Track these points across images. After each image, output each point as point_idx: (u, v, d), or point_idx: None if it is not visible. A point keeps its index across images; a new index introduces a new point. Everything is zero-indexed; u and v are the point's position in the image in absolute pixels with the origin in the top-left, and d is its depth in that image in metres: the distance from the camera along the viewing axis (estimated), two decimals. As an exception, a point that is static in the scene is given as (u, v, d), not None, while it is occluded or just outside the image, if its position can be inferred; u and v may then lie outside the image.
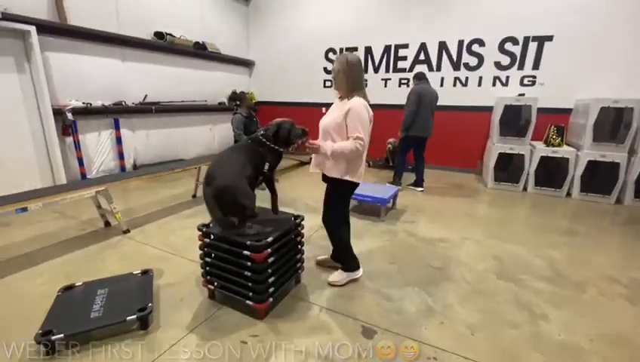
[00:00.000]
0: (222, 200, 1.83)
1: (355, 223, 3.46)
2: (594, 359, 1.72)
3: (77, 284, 2.09)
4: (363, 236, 3.16)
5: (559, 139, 4.70)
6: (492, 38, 5.46)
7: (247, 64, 7.56)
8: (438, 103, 4.73)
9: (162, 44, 5.37)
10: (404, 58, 6.15)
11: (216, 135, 6.85)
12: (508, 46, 5.39)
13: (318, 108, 7.04)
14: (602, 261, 2.78)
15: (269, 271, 1.91)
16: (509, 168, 4.96)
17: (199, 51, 6.09)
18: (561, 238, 3.25)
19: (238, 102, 4.87)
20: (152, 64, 5.41)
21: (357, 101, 2.00)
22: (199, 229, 2.04)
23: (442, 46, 5.84)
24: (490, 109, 5.58)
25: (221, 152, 2.12)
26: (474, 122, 5.80)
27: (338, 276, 2.36)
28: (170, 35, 5.48)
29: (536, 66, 5.27)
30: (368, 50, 6.41)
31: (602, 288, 2.39)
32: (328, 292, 2.26)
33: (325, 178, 2.22)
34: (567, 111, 5.13)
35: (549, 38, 5.09)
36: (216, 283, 2.07)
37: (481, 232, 3.34)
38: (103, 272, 2.37)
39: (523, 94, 4.99)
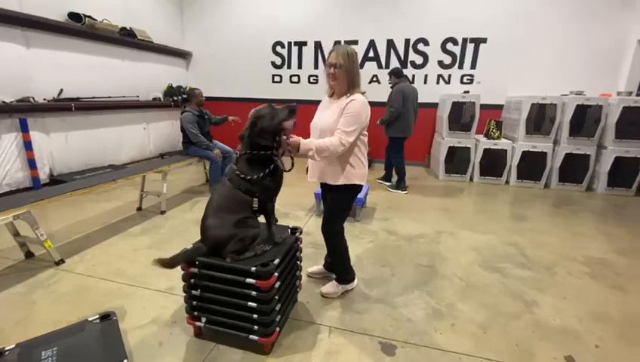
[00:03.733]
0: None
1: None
2: (591, 339, 1.85)
3: (7, 349, 1.53)
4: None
5: (498, 132, 5.18)
6: (435, 38, 5.77)
7: (183, 55, 6.79)
8: (384, 100, 4.62)
9: (80, 28, 4.45)
10: (355, 54, 6.14)
11: (151, 135, 6.02)
12: (449, 46, 5.75)
13: (266, 105, 6.69)
14: (557, 242, 3.10)
15: (276, 297, 1.64)
16: (457, 161, 5.32)
17: (127, 38, 5.23)
18: (517, 224, 3.56)
19: (186, 99, 4.30)
20: (67, 52, 4.45)
21: (359, 97, 1.83)
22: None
23: (390, 44, 5.98)
24: (435, 106, 5.92)
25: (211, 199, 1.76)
26: (421, 118, 6.05)
27: (332, 288, 2.19)
28: (90, 17, 4.58)
29: (473, 66, 5.73)
30: (318, 45, 6.26)
31: (568, 268, 2.64)
32: (331, 308, 2.07)
33: (326, 185, 2.01)
34: (500, 107, 5.69)
35: (484, 40, 5.57)
36: (204, 319, 1.73)
37: (451, 224, 3.48)
38: (38, 324, 1.82)
39: (468, 91, 5.38)
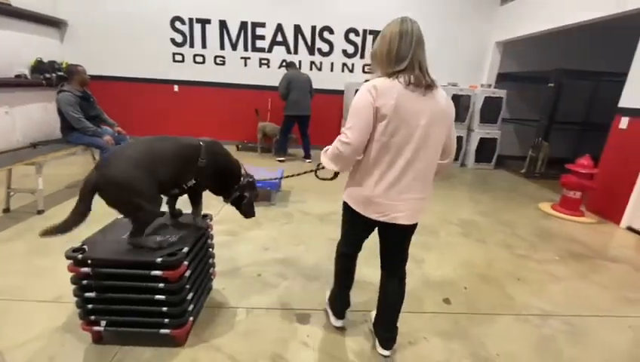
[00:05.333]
0: (108, 194, 1.48)
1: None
2: (462, 283, 2.33)
3: None
4: (262, 223, 3.06)
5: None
6: (339, 28, 6.04)
7: (55, 24, 5.62)
8: None
9: None
10: (263, 37, 6.03)
11: (18, 121, 4.90)
12: (352, 36, 6.11)
13: (167, 85, 6.14)
14: (440, 209, 3.71)
15: (187, 287, 1.60)
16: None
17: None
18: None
19: (63, 77, 3.62)
20: None
21: (364, 84, 1.35)
22: (69, 257, 1.47)
23: (297, 29, 6.04)
24: (342, 93, 6.27)
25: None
26: (329, 104, 6.38)
27: None
28: None
29: (374, 56, 6.22)
30: (223, 25, 5.93)
31: (447, 230, 3.21)
32: (249, 291, 2.10)
33: None
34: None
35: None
36: (104, 322, 1.58)
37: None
38: None
39: (368, 80, 5.82)
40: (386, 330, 1.66)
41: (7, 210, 2.99)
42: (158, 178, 1.53)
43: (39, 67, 5.14)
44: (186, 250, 1.56)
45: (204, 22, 5.89)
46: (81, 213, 1.49)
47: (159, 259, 1.46)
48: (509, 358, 1.68)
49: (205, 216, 1.94)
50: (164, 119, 6.31)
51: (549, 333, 1.89)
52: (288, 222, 3.17)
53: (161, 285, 1.50)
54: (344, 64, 6.26)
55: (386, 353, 1.64)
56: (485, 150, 5.86)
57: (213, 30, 5.95)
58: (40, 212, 2.98)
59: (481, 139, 5.77)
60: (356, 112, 1.31)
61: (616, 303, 2.22)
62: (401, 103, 1.27)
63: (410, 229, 1.51)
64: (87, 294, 1.52)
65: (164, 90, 6.17)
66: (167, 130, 6.31)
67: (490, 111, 5.68)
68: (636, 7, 3.44)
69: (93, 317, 1.56)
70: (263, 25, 5.97)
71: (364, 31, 6.06)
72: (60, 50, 5.76)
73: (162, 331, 1.57)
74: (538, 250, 2.89)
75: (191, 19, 5.88)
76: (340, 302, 1.79)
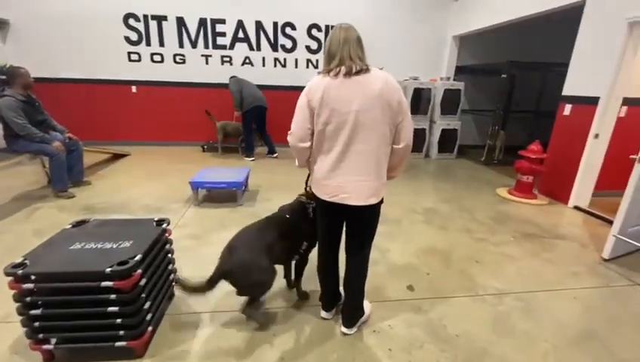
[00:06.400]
0: (237, 277, 1.68)
1: (214, 213, 3.27)
2: (424, 269, 2.42)
3: None
4: (227, 225, 3.00)
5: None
6: (301, 24, 6.01)
7: (-9, 23, 5.16)
8: (263, 83, 5.64)
9: None
10: (223, 34, 5.88)
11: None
12: (314, 32, 6.10)
13: (124, 86, 5.85)
14: (404, 200, 3.81)
15: (143, 296, 1.54)
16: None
17: None
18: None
19: (5, 80, 3.33)
20: None
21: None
22: (9, 274, 1.36)
23: (259, 25, 5.94)
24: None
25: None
26: (294, 100, 6.32)
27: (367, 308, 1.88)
28: None
29: (337, 52, 6.25)
30: (181, 22, 5.71)
31: (410, 218, 3.32)
32: (212, 293, 2.03)
33: None
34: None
35: (344, 28, 6.12)
36: (54, 340, 1.49)
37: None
38: None
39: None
40: (347, 310, 1.77)
41: (-57, 229, 2.73)
42: (274, 255, 1.73)
43: (-25, 70, 4.70)
44: (138, 257, 1.49)
45: (160, 18, 5.64)
46: (206, 290, 1.65)
47: (109, 270, 1.40)
48: (468, 337, 1.77)
49: (162, 221, 1.87)
50: (123, 122, 6.01)
51: (504, 310, 2.00)
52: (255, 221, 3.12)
53: (113, 296, 1.44)
54: (308, 60, 6.24)
55: (345, 330, 1.75)
56: (447, 141, 6.09)
57: (170, 27, 5.71)
58: (-19, 228, 2.75)
59: (443, 130, 5.99)
60: (297, 109, 1.52)
61: (563, 277, 2.40)
62: (329, 94, 1.41)
63: (366, 212, 1.58)
64: (33, 311, 1.43)
65: (121, 91, 5.86)
66: (126, 133, 6.03)
67: (450, 103, 5.91)
68: (573, 1, 3.70)
69: (41, 336, 1.47)
70: (223, 21, 5.82)
71: (327, 27, 6.07)
72: (2, 52, 5.30)
73: (118, 344, 1.50)
74: (495, 233, 3.05)
75: (145, 16, 5.61)
76: (325, 298, 1.87)
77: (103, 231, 1.75)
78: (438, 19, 6.23)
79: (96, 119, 5.85)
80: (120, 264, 1.43)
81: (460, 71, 6.43)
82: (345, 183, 1.50)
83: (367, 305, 1.89)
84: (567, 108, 3.85)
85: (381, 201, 1.61)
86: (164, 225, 1.85)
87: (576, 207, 3.75)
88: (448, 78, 6.12)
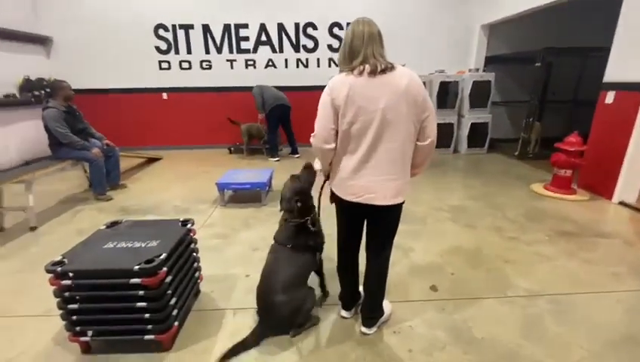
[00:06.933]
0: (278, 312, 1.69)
1: (239, 213, 3.36)
2: (449, 269, 2.34)
3: None
4: (252, 224, 3.09)
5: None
6: (323, 23, 6.02)
7: (40, 41, 5.63)
8: (286, 85, 5.73)
9: None
10: (247, 39, 6.02)
11: (11, 141, 4.94)
12: (336, 30, 6.08)
13: (155, 94, 6.16)
14: (429, 197, 3.70)
15: (169, 292, 1.63)
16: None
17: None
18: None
19: (49, 93, 3.64)
20: None
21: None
22: (49, 271, 1.50)
23: (281, 27, 6.02)
24: (330, 88, 6.25)
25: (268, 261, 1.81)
26: (317, 100, 6.36)
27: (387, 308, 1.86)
28: None
29: (359, 49, 6.19)
30: (206, 29, 5.92)
31: (435, 216, 3.22)
32: (236, 292, 2.13)
33: None
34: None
35: (366, 25, 6.05)
36: (91, 332, 1.61)
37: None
38: None
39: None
40: (367, 310, 1.76)
41: (0, 229, 3.03)
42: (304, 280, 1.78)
43: (27, 85, 5.17)
44: (164, 256, 1.57)
45: (187, 27, 5.89)
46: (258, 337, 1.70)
47: (137, 267, 1.49)
48: (494, 340, 1.70)
49: (186, 221, 1.95)
50: (155, 128, 6.34)
51: (535, 313, 1.89)
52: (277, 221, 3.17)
53: (141, 292, 1.52)
54: (330, 59, 6.23)
55: (365, 330, 1.74)
56: (477, 135, 5.83)
57: (197, 35, 5.94)
58: (32, 228, 3.02)
59: (472, 124, 5.74)
60: (319, 110, 1.48)
61: (604, 279, 2.22)
62: (355, 92, 1.38)
63: (390, 211, 1.56)
64: (71, 306, 1.55)
65: (153, 98, 6.19)
66: (159, 138, 6.35)
67: (480, 95, 5.65)
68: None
69: (79, 328, 1.59)
70: (246, 26, 5.96)
71: (348, 24, 6.00)
72: (48, 67, 5.78)
73: (147, 337, 1.60)
74: (527, 231, 2.89)
75: (174, 26, 5.88)
76: (345, 298, 1.86)
77: (133, 231, 1.86)
78: (464, 9, 5.97)
79: (131, 126, 6.21)
80: (147, 262, 1.52)
81: (491, 61, 6.13)
82: (371, 183, 1.47)
83: (387, 305, 1.86)
84: (610, 96, 3.54)
85: (404, 201, 1.58)
86: (189, 225, 1.93)
87: (622, 203, 3.45)
88: (477, 70, 5.86)
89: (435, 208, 3.42)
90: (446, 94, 5.73)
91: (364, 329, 1.74)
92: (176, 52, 6.02)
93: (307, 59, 6.19)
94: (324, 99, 1.45)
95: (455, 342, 1.69)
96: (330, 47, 6.14)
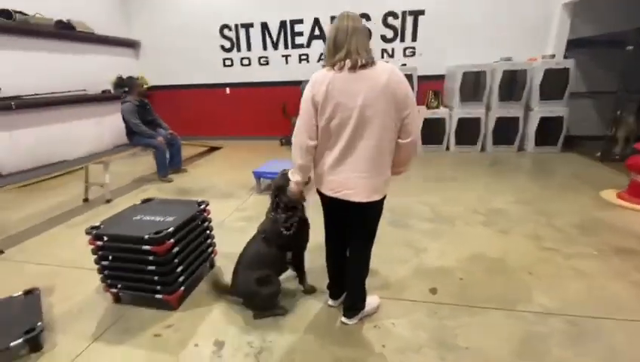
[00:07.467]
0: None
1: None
2: (459, 274, 2.20)
3: None
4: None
5: (437, 102, 5.45)
6: (376, 13, 5.88)
7: (131, 45, 6.70)
8: None
9: (11, 25, 4.40)
10: (301, 34, 6.23)
11: (106, 129, 6.04)
12: (390, 20, 5.89)
13: (220, 89, 6.78)
14: (470, 198, 3.43)
15: (176, 261, 1.90)
16: (402, 132, 5.61)
17: (65, 32, 5.17)
18: (443, 185, 3.89)
19: (126, 89, 4.38)
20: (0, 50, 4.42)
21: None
22: (88, 233, 1.88)
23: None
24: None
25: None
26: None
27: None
28: (21, 13, 4.52)
29: (414, 38, 5.91)
30: (265, 26, 6.29)
31: (468, 219, 2.99)
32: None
33: None
34: (440, 77, 5.92)
35: (422, 12, 5.73)
36: (120, 286, 1.98)
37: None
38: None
39: (404, 64, 5.59)
40: (348, 301, 1.80)
41: (86, 200, 3.78)
42: (273, 269, 1.89)
43: (119, 82, 6.21)
44: (171, 229, 1.84)
45: (247, 26, 6.35)
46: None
47: (146, 236, 1.78)
48: (479, 351, 1.58)
49: (202, 202, 2.22)
50: (219, 120, 7.02)
51: (542, 332, 1.69)
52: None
53: (151, 257, 1.82)
54: (384, 50, 6.07)
55: (345, 320, 1.78)
56: (548, 131, 5.10)
57: (256, 33, 6.36)
58: (108, 201, 3.70)
59: (543, 118, 5.04)
60: (301, 106, 1.50)
61: (653, 307, 1.84)
62: (334, 87, 1.39)
63: (368, 208, 1.56)
64: (103, 262, 1.93)
65: (217, 93, 6.85)
66: (222, 129, 7.02)
67: (553, 85, 4.91)
68: None
69: (109, 281, 1.97)
70: (300, 21, 6.16)
71: (404, 13, 5.79)
72: (137, 66, 6.85)
73: (157, 296, 1.90)
74: (573, 244, 2.51)
75: (236, 25, 6.39)
76: (332, 287, 1.92)
77: (158, 208, 2.20)
78: (542, -14, 5.21)
79: (199, 117, 6.99)
80: (156, 233, 1.80)
81: (573, 45, 5.26)
82: (349, 180, 1.49)
83: (375, 300, 1.87)
84: None
85: (384, 198, 1.57)
86: (202, 206, 2.19)
87: None
88: (553, 56, 5.09)
89: (471, 210, 3.17)
90: (511, 85, 5.12)
91: (344, 319, 1.79)
92: (238, 50, 6.54)
93: (359, 52, 6.12)
94: (306, 94, 1.47)
95: (435, 346, 1.62)
96: (383, 37, 5.98)
